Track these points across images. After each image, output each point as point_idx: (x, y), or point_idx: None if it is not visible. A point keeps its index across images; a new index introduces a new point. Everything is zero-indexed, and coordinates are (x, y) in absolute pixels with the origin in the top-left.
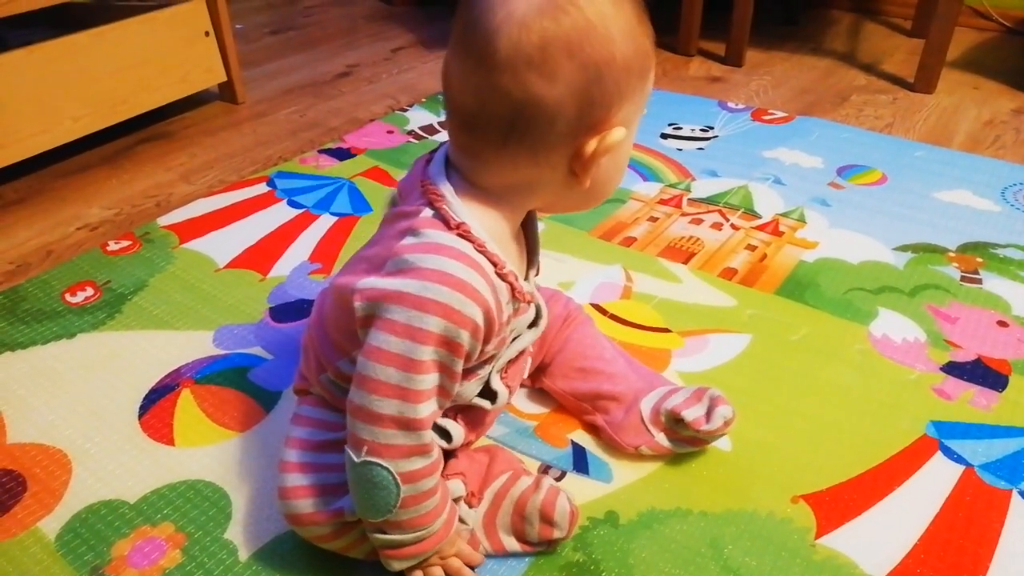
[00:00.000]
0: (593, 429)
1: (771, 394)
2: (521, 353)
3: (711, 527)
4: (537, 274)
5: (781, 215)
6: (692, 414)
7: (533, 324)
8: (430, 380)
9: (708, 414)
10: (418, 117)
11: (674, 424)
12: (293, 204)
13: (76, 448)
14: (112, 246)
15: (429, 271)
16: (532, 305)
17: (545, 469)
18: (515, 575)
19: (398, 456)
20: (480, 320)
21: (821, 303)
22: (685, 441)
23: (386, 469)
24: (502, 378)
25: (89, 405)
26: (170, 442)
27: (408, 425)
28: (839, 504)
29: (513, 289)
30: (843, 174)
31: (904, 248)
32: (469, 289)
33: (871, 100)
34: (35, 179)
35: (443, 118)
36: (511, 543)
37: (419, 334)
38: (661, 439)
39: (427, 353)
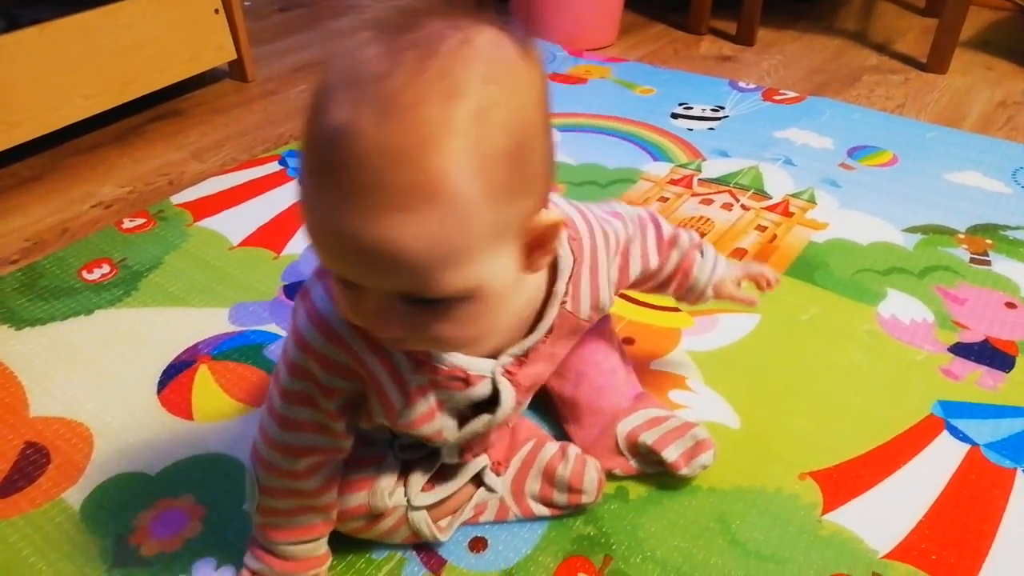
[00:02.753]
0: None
1: (780, 373)
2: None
3: (719, 503)
4: (521, 358)
5: (791, 196)
6: (671, 454)
7: (488, 407)
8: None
9: (688, 457)
10: None
11: (649, 456)
12: None
13: (97, 422)
14: (127, 224)
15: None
16: (483, 383)
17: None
18: (528, 548)
19: (262, 468)
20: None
21: (830, 284)
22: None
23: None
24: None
25: (109, 380)
26: (189, 416)
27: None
28: (846, 481)
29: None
30: (854, 155)
31: (914, 229)
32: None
33: (883, 80)
34: (49, 157)
35: None
36: (540, 508)
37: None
38: (635, 463)
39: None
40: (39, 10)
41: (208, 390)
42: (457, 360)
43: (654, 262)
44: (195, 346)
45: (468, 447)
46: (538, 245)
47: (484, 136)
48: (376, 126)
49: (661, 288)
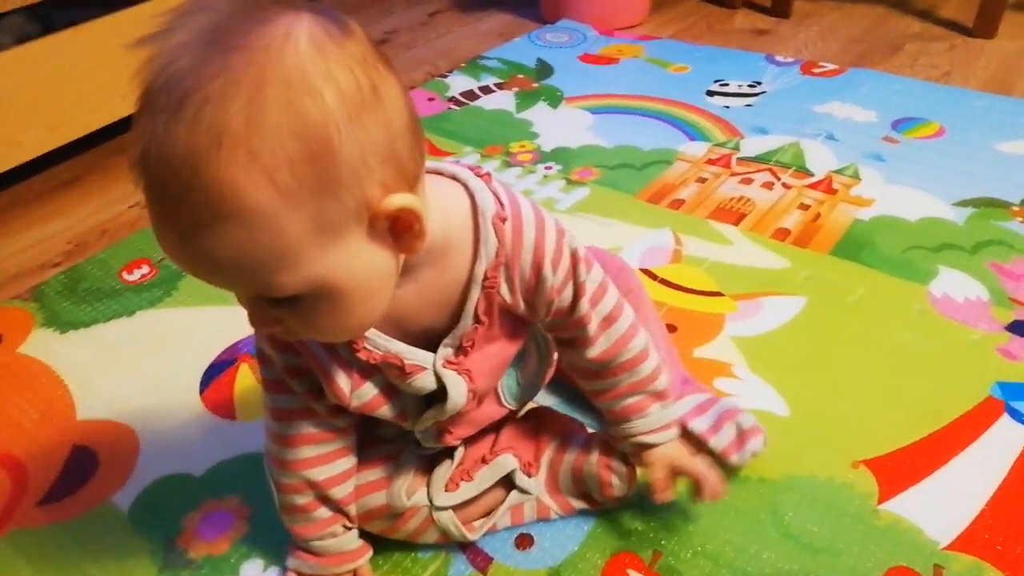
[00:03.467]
0: None
1: (828, 357)
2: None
3: (770, 493)
4: (461, 348)
5: (834, 172)
6: (720, 442)
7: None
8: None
9: (737, 444)
10: (458, 83)
11: (699, 444)
12: None
13: (142, 423)
14: None
15: None
16: (423, 374)
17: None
18: (575, 544)
19: (273, 464)
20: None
21: (878, 262)
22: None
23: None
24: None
25: (152, 381)
26: (231, 416)
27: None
28: (902, 469)
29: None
30: (898, 127)
31: (964, 203)
32: None
33: (926, 48)
34: (88, 158)
35: (484, 83)
36: (578, 503)
37: None
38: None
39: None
40: (73, 12)
41: (250, 389)
42: (392, 346)
43: (567, 298)
44: (235, 345)
45: (445, 431)
46: (402, 229)
47: (264, 143)
48: (160, 146)
49: (581, 371)
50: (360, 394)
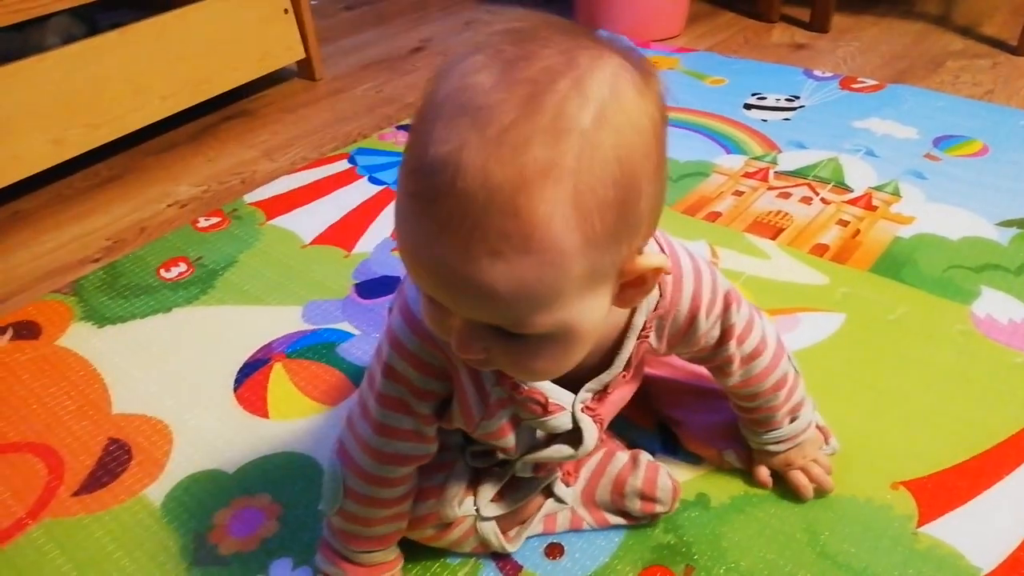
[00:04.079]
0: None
1: (867, 376)
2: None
3: (806, 512)
4: (602, 392)
5: (874, 189)
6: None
7: (569, 440)
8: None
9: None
10: None
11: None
12: (374, 181)
13: (176, 419)
14: (202, 223)
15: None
16: (561, 414)
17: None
18: (605, 556)
19: (355, 473)
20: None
21: (919, 281)
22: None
23: (342, 472)
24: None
25: (187, 378)
26: (264, 415)
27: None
28: (943, 492)
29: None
30: (940, 145)
31: (1008, 223)
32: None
33: (968, 65)
34: (127, 157)
35: None
36: (614, 518)
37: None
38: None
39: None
40: (118, 15)
41: (283, 389)
42: (537, 383)
43: (713, 338)
44: (270, 344)
45: (544, 465)
46: (635, 285)
47: (589, 185)
48: (480, 162)
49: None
50: (488, 424)
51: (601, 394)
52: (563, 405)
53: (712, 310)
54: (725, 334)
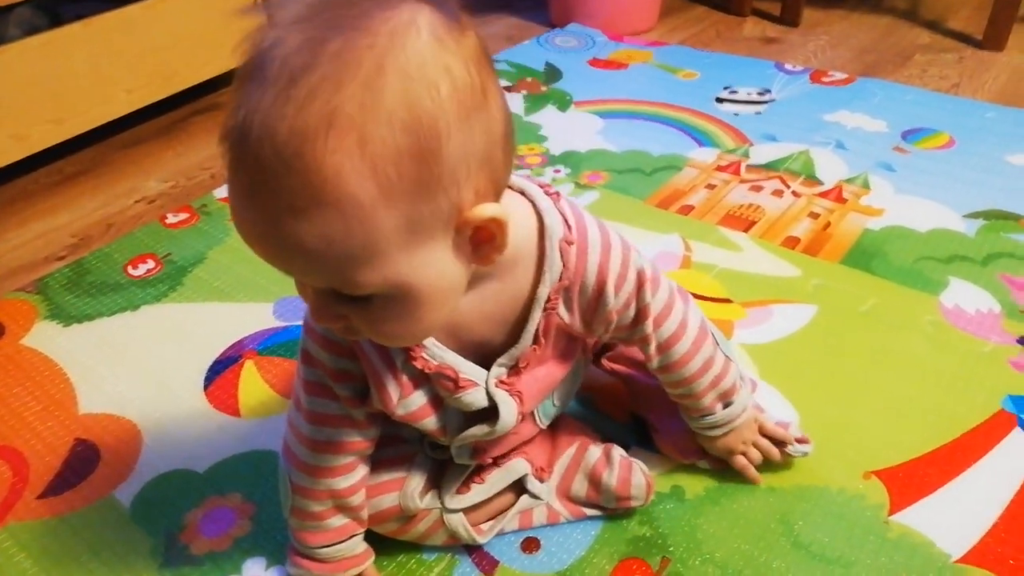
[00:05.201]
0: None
1: (839, 367)
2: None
3: (780, 503)
4: (515, 368)
5: (844, 181)
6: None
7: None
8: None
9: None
10: None
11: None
12: None
13: (145, 418)
14: (171, 219)
15: None
16: (474, 389)
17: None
18: (581, 549)
19: (296, 467)
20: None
21: (889, 273)
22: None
23: (286, 469)
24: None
25: (155, 376)
26: (235, 413)
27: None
28: (913, 480)
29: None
30: (908, 138)
31: (975, 215)
32: None
33: (936, 59)
34: (93, 152)
35: (511, 84)
36: (590, 511)
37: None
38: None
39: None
40: (82, 6)
41: (254, 386)
42: (447, 357)
43: (627, 318)
44: (240, 341)
45: (481, 449)
46: (484, 239)
47: (376, 133)
48: (267, 121)
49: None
50: (407, 403)
51: (514, 369)
52: (475, 380)
53: (623, 286)
54: (640, 314)
